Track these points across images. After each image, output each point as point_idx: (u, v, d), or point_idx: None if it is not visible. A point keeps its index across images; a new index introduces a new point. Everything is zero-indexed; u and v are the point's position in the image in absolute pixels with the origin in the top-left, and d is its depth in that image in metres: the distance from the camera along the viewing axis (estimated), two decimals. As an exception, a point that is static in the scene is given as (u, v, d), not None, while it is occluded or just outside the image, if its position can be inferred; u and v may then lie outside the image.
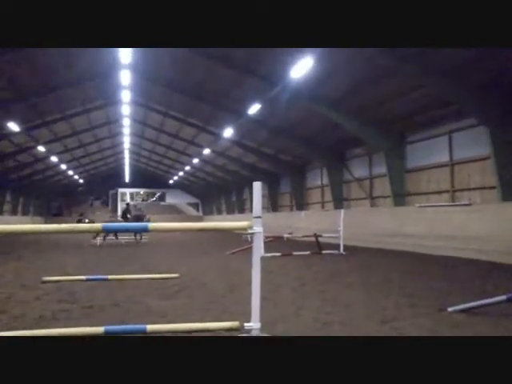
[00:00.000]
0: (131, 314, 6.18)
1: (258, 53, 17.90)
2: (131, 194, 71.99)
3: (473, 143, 16.72)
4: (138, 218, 22.43)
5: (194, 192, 67.96)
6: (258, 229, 4.64)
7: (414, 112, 18.30)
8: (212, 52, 19.02)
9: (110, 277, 9.51)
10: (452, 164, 18.17)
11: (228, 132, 28.57)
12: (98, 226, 5.26)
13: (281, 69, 17.93)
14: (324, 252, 16.05)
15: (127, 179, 68.00)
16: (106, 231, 17.69)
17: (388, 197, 21.34)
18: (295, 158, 31.61)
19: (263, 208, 40.62)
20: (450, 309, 6.33)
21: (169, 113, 31.98)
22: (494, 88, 14.54)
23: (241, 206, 47.14)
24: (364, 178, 24.53)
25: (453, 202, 17.75)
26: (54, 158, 40.40)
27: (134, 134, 43.20)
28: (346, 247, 16.40)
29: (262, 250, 15.29)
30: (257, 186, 4.70)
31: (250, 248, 16.21)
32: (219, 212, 55.41)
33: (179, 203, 72.42)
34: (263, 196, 40.93)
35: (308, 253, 15.81)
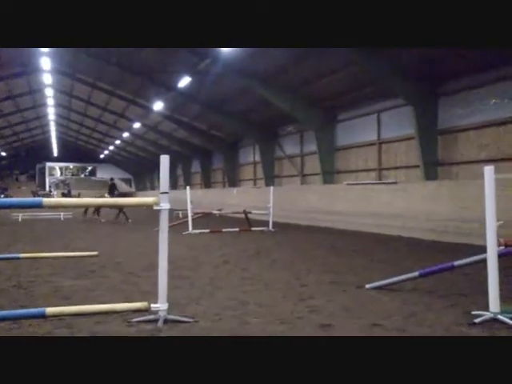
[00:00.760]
0: (35, 296, 5.75)
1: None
2: (60, 169, 69.22)
3: (399, 123, 17.04)
4: (125, 195, 21.41)
5: (126, 167, 66.19)
6: (164, 205, 4.35)
7: (344, 91, 18.39)
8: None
9: (22, 255, 8.94)
10: (380, 143, 18.50)
11: (158, 105, 27.79)
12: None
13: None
14: (253, 229, 15.99)
15: (56, 153, 65.16)
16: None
17: (318, 174, 21.53)
18: (228, 134, 31.29)
19: (196, 184, 40.32)
20: (367, 286, 6.35)
21: (97, 84, 30.63)
22: (420, 69, 14.81)
23: (174, 182, 46.42)
24: (295, 156, 24.62)
25: (380, 180, 18.12)
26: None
27: (60, 106, 41.19)
28: (275, 224, 16.42)
29: (190, 227, 15.04)
30: (164, 160, 4.40)
31: (180, 224, 15.93)
32: (152, 188, 54.31)
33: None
34: (196, 172, 40.50)
35: (237, 230, 15.70)
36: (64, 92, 35.61)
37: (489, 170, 4.92)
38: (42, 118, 47.70)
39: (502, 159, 13.47)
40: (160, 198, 4.45)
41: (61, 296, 5.72)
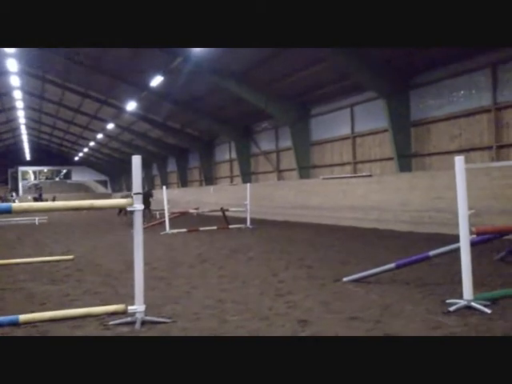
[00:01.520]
0: (7, 303, 5.64)
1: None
2: (34, 173, 67.99)
3: (373, 116, 17.17)
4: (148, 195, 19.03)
5: (101, 169, 65.43)
6: (138, 206, 4.29)
7: (317, 85, 18.45)
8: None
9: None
10: (354, 136, 18.62)
11: (132, 105, 27.46)
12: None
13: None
14: (231, 226, 15.97)
15: (28, 157, 63.97)
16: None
17: (294, 170, 21.58)
18: (203, 132, 31.15)
19: (173, 183, 40.08)
20: (344, 279, 6.39)
21: (68, 85, 30.12)
22: (390, 62, 14.95)
23: (151, 183, 46.08)
24: (271, 152, 24.63)
25: (355, 173, 18.26)
26: None
27: (30, 108, 40.41)
28: (253, 221, 16.42)
29: (167, 227, 14.94)
30: (136, 161, 4.32)
31: (157, 225, 15.80)
32: (128, 189, 53.85)
33: (87, 181, 69.52)
34: (172, 171, 40.25)
35: (215, 228, 15.66)
36: (34, 94, 34.95)
37: (459, 160, 4.98)
38: (11, 121, 46.78)
39: (473, 149, 13.70)
40: (133, 199, 4.39)
41: (35, 302, 5.61)
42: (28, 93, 34.49)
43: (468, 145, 13.87)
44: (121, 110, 30.58)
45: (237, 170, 27.56)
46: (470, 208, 4.98)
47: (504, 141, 12.92)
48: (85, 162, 64.35)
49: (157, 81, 21.36)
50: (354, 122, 18.58)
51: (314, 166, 20.94)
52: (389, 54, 14.41)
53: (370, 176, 16.23)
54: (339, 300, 5.31)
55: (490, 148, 13.24)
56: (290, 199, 19.13)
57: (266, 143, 25.12)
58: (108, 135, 41.16)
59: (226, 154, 30.20)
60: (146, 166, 44.61)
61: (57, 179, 69.50)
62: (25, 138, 55.52)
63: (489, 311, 4.57)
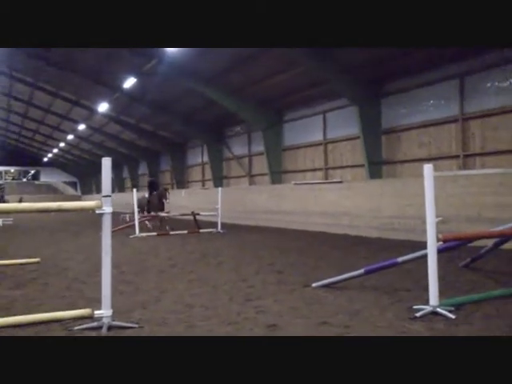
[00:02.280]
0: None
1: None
2: (0, 173, 66.44)
3: (345, 123, 17.36)
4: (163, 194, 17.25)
5: (71, 170, 64.35)
6: (107, 209, 4.23)
7: (291, 91, 18.56)
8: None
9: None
10: (326, 143, 18.78)
11: (103, 107, 27.15)
12: None
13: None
14: (202, 231, 15.89)
15: (-6, 156, 62.52)
16: None
17: (266, 174, 21.64)
18: (175, 135, 30.97)
19: (144, 186, 39.66)
20: (313, 284, 6.41)
21: (37, 85, 29.56)
22: (363, 70, 15.14)
23: (121, 185, 45.57)
24: (243, 156, 24.65)
25: (326, 179, 18.40)
26: None
27: (-3, 107, 39.57)
28: (224, 225, 16.37)
29: (137, 230, 14.78)
30: (106, 163, 4.26)
31: (127, 227, 15.53)
32: (98, 191, 53.03)
33: (55, 182, 68.30)
34: (143, 174, 39.86)
35: (185, 232, 15.55)
36: (1, 92, 34.21)
37: (428, 168, 5.06)
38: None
39: (441, 157, 13.97)
40: (102, 202, 4.32)
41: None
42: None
43: (437, 153, 14.14)
44: (92, 111, 30.18)
45: (209, 174, 27.48)
46: (437, 215, 5.06)
47: (470, 150, 13.22)
48: (54, 163, 63.21)
49: (130, 82, 21.17)
50: (326, 129, 18.74)
51: (286, 171, 21.04)
52: (361, 61, 14.61)
53: (341, 182, 16.38)
54: (308, 305, 5.32)
55: (457, 157, 13.53)
56: (261, 204, 19.15)
57: (238, 147, 25.13)
58: (79, 136, 40.52)
59: (198, 157, 30.11)
60: (116, 168, 44.11)
61: (24, 180, 68.05)
62: (-9, 137, 54.25)
63: (453, 316, 4.65)
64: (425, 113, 14.51)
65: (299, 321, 4.68)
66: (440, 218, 5.12)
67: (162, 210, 16.92)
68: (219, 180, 26.22)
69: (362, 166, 16.25)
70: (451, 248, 6.34)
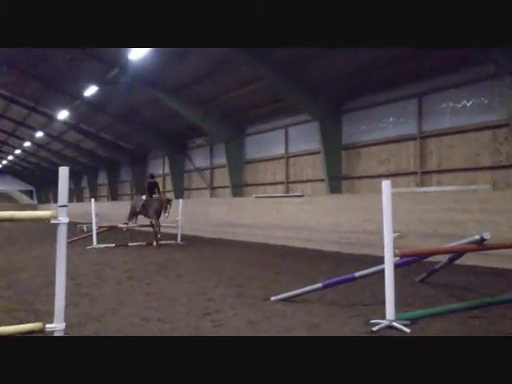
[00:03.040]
0: None
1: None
2: None
3: (306, 138, 17.54)
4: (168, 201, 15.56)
5: (27, 178, 62.60)
6: (63, 219, 4.11)
7: (253, 105, 18.66)
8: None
9: None
10: (287, 157, 18.93)
11: (63, 114, 26.58)
12: None
13: (117, 50, 16.95)
14: (161, 242, 15.68)
15: None
16: None
17: (227, 187, 21.62)
18: (137, 145, 30.58)
19: (103, 196, 38.98)
20: (272, 298, 6.41)
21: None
22: (324, 87, 15.39)
23: (80, 195, 44.62)
24: (205, 168, 24.56)
25: (287, 193, 18.52)
26: None
27: None
28: (184, 237, 16.22)
29: (95, 241, 14.47)
30: (63, 172, 4.15)
31: (84, 238, 15.11)
32: (56, 200, 51.62)
33: (10, 190, 66.28)
34: (103, 184, 39.17)
35: (144, 243, 15.33)
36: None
37: (386, 185, 5.15)
38: None
39: (399, 174, 14.28)
40: (58, 212, 4.20)
41: None
42: None
43: (395, 170, 14.45)
44: (51, 118, 29.50)
45: (170, 185, 27.23)
46: (395, 231, 5.16)
47: (428, 167, 13.57)
48: (9, 171, 61.31)
49: (91, 91, 20.84)
50: (287, 143, 18.90)
51: (248, 184, 21.07)
52: (323, 78, 14.84)
53: (301, 196, 16.52)
54: (267, 319, 5.31)
55: (415, 173, 13.86)
56: (222, 216, 19.09)
57: (200, 160, 25.03)
58: (36, 143, 39.48)
59: (159, 168, 29.80)
60: (75, 177, 43.22)
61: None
62: None
63: (408, 330, 4.73)
64: (384, 130, 14.82)
65: (257, 335, 4.65)
66: (397, 234, 5.22)
67: (159, 217, 15.30)
68: (180, 191, 26.03)
69: (323, 180, 16.43)
70: (407, 263, 6.46)
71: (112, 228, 17.33)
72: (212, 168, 23.99)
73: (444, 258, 7.43)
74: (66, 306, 4.40)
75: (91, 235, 14.92)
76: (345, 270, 7.80)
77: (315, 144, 16.48)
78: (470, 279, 8.23)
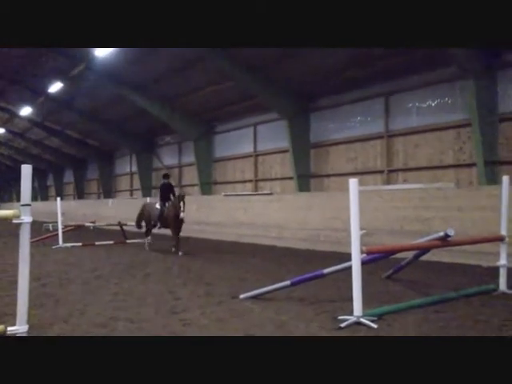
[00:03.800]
0: None
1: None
2: None
3: (275, 136, 17.59)
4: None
5: (-12, 177, 61.00)
6: (26, 218, 4.02)
7: (222, 103, 18.60)
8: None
9: None
10: (256, 155, 18.94)
11: (26, 111, 25.93)
12: None
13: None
14: (129, 241, 15.52)
15: None
16: None
17: (196, 185, 21.52)
18: (103, 143, 30.11)
19: (69, 195, 38.27)
20: (241, 296, 6.41)
21: None
22: (292, 86, 15.46)
23: (44, 194, 43.71)
24: (173, 166, 24.38)
25: (256, 191, 18.54)
26: None
27: None
28: (153, 236, 16.01)
29: (61, 240, 14.20)
30: (26, 170, 4.06)
31: (50, 238, 14.75)
32: (19, 199, 50.40)
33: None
34: (69, 183, 38.45)
35: (111, 242, 15.12)
36: None
37: (353, 183, 5.21)
38: None
39: (367, 172, 14.47)
40: (21, 211, 4.10)
41: None
42: None
43: (363, 168, 14.63)
44: (13, 114, 28.78)
45: (137, 184, 26.93)
46: (362, 228, 5.22)
47: (394, 166, 13.79)
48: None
49: (56, 87, 20.40)
50: (256, 141, 18.91)
51: (216, 182, 21.01)
52: (291, 77, 14.90)
53: (270, 194, 16.58)
54: (235, 317, 5.31)
55: (382, 172, 14.07)
56: (191, 215, 18.92)
57: (168, 158, 24.83)
58: (-3, 140, 38.52)
59: (126, 166, 29.44)
60: (40, 175, 42.30)
61: None
62: None
63: (375, 326, 4.80)
64: (352, 129, 14.98)
65: (225, 333, 4.64)
66: (364, 231, 5.28)
67: (180, 227, 13.02)
68: (148, 190, 25.77)
69: (291, 178, 16.51)
70: (374, 260, 6.56)
71: (79, 227, 17.03)
72: (180, 166, 23.84)
73: (410, 255, 7.58)
74: (31, 307, 4.31)
75: (57, 234, 14.62)
76: (313, 267, 7.86)
77: (284, 142, 16.55)
78: (435, 275, 8.41)
